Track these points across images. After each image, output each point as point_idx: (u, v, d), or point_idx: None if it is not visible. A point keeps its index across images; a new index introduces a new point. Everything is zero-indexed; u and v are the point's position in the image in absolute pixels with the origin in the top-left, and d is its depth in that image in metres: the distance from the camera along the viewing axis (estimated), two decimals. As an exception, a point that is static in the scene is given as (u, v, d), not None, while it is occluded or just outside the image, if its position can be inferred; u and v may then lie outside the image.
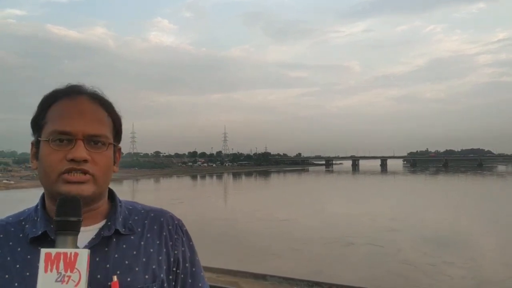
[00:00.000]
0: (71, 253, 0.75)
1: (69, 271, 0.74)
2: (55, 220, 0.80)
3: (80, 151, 0.89)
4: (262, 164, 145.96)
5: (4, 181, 58.01)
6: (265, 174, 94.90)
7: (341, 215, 23.64)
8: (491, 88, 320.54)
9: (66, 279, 0.74)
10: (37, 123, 0.96)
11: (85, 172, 0.90)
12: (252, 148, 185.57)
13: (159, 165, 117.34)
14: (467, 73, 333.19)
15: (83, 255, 0.76)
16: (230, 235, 17.77)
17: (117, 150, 1.02)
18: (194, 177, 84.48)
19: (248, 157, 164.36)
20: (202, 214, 24.49)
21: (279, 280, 9.14)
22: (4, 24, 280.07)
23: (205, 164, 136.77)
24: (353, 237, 16.71)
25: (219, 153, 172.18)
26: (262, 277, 9.40)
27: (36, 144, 0.96)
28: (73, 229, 0.79)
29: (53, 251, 0.75)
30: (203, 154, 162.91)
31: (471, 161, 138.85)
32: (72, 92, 0.96)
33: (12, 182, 57.24)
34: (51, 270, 0.74)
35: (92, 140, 0.92)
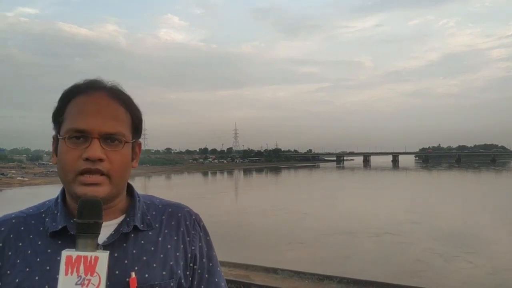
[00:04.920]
0: (91, 257, 0.76)
1: (89, 274, 0.75)
2: (76, 222, 0.80)
3: (95, 150, 0.89)
4: (273, 160, 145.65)
5: (18, 178, 58.85)
6: (276, 170, 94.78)
7: (359, 209, 23.99)
8: (505, 83, 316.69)
9: (86, 282, 0.75)
10: (57, 119, 0.95)
11: (100, 173, 0.90)
12: (262, 144, 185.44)
13: (170, 161, 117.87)
14: (481, 68, 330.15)
15: (103, 259, 0.77)
16: (258, 227, 18.51)
17: (137, 145, 1.01)
18: (205, 174, 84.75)
19: (258, 153, 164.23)
20: (226, 208, 25.40)
21: (290, 274, 9.18)
22: (17, 22, 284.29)
23: (216, 161, 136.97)
24: (374, 228, 17.26)
25: (229, 149, 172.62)
26: (273, 270, 9.44)
27: (56, 140, 0.95)
28: (94, 231, 0.80)
29: (74, 254, 0.76)
30: (214, 151, 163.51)
31: (484, 157, 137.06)
32: (91, 88, 0.95)
33: (26, 179, 57.93)
34: (71, 273, 0.75)
35: (109, 138, 0.92)
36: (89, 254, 0.76)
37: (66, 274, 0.74)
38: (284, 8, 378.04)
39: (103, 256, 0.77)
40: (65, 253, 0.76)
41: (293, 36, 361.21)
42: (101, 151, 0.90)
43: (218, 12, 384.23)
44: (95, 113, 0.92)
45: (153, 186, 49.92)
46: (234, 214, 22.50)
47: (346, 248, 14.23)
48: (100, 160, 0.89)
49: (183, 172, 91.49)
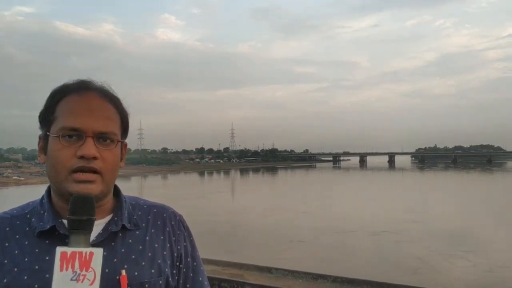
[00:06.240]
0: (86, 252, 0.77)
1: (84, 270, 0.75)
2: (69, 219, 0.81)
3: (90, 148, 0.90)
4: (269, 160, 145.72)
5: (14, 177, 58.62)
6: (273, 170, 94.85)
7: (357, 208, 24.20)
8: (502, 83, 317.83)
9: (81, 278, 0.75)
10: (46, 118, 0.95)
11: (94, 171, 0.91)
12: (259, 144, 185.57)
13: (167, 161, 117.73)
14: (477, 68, 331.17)
15: (98, 254, 0.78)
16: (256, 226, 18.73)
17: (124, 146, 1.03)
18: (201, 174, 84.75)
19: (255, 153, 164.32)
20: (223, 208, 25.48)
21: (284, 273, 9.11)
22: (13, 21, 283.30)
23: (212, 161, 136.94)
24: (372, 227, 17.45)
25: (226, 149, 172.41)
26: (268, 270, 9.38)
27: (44, 138, 0.96)
28: (87, 228, 0.81)
29: (68, 250, 0.76)
30: (210, 151, 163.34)
31: (481, 157, 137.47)
32: (82, 88, 0.96)
33: (22, 178, 57.79)
34: (66, 269, 0.75)
35: (101, 137, 0.93)
36: (84, 249, 0.77)
37: (61, 270, 0.74)
38: (282, 8, 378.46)
39: (98, 252, 0.78)
40: (59, 249, 0.76)
41: (291, 36, 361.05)
42: (95, 149, 0.91)
43: (216, 11, 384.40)
44: (88, 112, 0.93)
45: (149, 186, 49.77)
46: (231, 214, 22.56)
47: (344, 247, 14.32)
48: (94, 158, 0.90)
49: (180, 172, 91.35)
